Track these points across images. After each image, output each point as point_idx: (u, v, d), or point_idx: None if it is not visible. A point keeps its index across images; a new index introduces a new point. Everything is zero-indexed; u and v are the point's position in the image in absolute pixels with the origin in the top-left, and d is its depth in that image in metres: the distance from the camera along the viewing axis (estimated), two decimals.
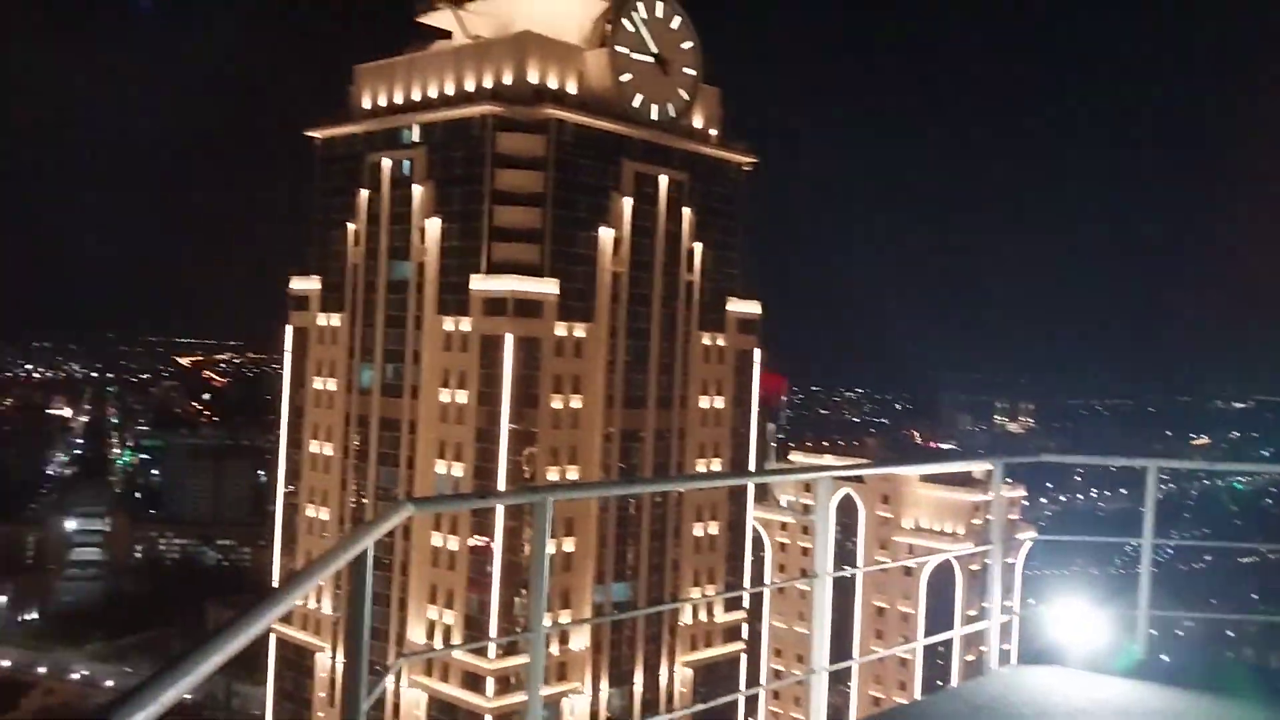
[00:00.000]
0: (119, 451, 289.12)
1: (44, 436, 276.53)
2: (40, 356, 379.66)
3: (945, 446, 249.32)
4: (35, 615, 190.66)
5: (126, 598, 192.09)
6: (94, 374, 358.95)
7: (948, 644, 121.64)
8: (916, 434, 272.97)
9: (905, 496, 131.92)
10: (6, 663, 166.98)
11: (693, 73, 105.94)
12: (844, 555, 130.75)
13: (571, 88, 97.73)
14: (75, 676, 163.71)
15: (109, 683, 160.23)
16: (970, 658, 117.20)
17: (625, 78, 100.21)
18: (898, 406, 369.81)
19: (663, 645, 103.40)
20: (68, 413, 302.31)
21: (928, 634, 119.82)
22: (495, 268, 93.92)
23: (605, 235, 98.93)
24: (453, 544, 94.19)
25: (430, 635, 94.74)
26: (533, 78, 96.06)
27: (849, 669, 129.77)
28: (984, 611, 8.88)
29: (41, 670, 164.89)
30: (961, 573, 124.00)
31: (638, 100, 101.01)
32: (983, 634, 8.64)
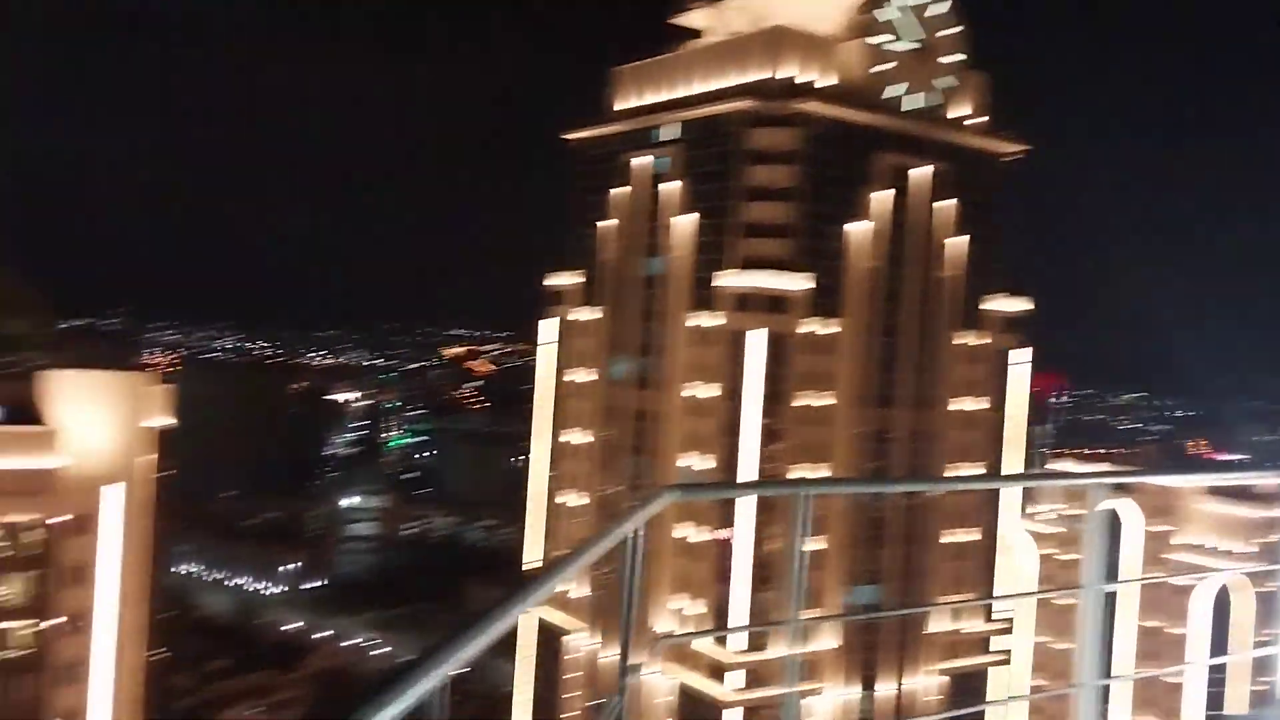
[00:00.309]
0: (392, 434, 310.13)
1: (326, 419, 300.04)
2: (325, 344, 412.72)
3: (1232, 457, 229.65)
4: (320, 583, 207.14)
5: (396, 571, 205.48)
6: (372, 362, 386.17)
7: (1228, 669, 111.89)
8: (1201, 442, 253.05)
9: (1181, 510, 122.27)
10: (299, 624, 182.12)
11: (956, 59, 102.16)
12: (1109, 571, 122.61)
13: (825, 81, 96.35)
14: (351, 643, 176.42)
15: (379, 650, 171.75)
16: (1258, 687, 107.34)
17: (881, 68, 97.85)
18: (1178, 413, 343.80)
19: (911, 652, 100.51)
20: (347, 397, 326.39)
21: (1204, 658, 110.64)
22: (746, 263, 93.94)
23: (858, 229, 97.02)
24: (695, 535, 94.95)
25: (675, 625, 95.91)
26: (786, 72, 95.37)
27: (1108, 688, 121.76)
28: (1274, 638, 7.85)
29: (322, 635, 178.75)
30: (1246, 595, 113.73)
31: (894, 91, 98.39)
32: (1272, 661, 7.63)
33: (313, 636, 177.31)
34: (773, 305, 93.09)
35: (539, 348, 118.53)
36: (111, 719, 69.37)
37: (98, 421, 70.19)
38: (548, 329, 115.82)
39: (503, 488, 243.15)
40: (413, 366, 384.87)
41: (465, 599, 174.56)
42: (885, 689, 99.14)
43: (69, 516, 67.58)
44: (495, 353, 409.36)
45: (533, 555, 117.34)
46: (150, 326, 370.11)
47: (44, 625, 67.38)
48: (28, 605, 67.02)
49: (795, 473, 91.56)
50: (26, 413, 68.64)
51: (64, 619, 67.65)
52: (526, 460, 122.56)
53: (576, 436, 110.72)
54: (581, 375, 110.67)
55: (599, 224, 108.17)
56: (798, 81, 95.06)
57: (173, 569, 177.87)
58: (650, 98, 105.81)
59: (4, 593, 66.38)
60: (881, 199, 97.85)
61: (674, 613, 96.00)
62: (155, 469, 74.42)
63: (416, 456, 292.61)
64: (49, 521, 67.17)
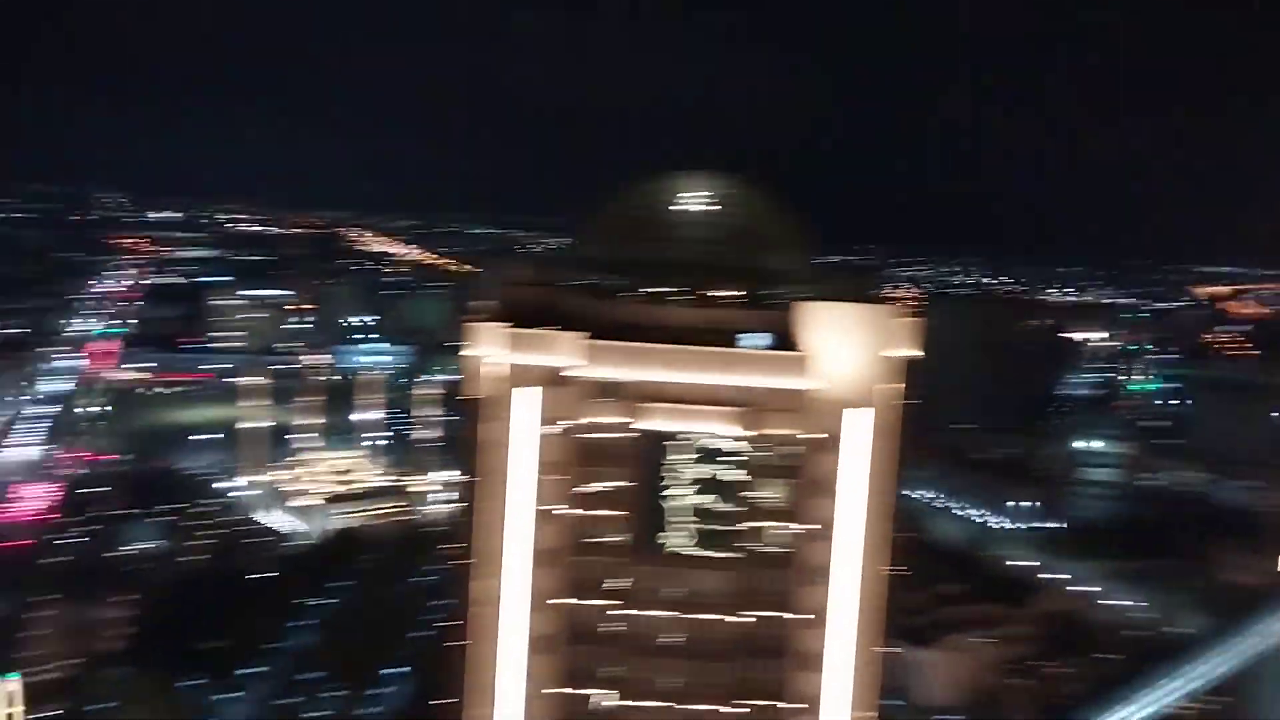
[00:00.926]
0: (1135, 378, 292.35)
1: (1062, 357, 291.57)
2: (1068, 281, 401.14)
3: None
4: (1050, 524, 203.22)
5: (1134, 523, 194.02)
6: (1115, 300, 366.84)
7: None
8: None
9: None
10: (1028, 562, 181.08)
11: None
12: None
13: None
14: (1081, 590, 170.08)
15: (1112, 601, 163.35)
16: None
17: None
18: None
19: None
20: (1086, 336, 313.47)
21: None
22: None
23: None
24: None
25: None
26: None
27: None
28: None
29: (1051, 576, 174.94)
30: None
31: None
32: None
33: (1040, 576, 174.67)
34: None
35: None
36: (856, 623, 75.03)
37: (846, 349, 75.27)
38: None
39: (1266, 446, 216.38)
40: (1162, 306, 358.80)
41: (1214, 562, 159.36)
42: None
43: (822, 434, 73.82)
44: (1265, 293, 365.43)
45: None
46: (899, 262, 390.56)
47: (796, 529, 74.80)
48: (783, 509, 74.91)
49: None
50: (785, 339, 76.04)
51: (816, 525, 74.40)
52: None
53: None
54: None
55: None
56: None
57: (907, 493, 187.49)
58: None
59: (766, 495, 74.97)
60: None
61: None
62: (898, 397, 77.88)
63: (1160, 403, 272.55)
64: (801, 437, 74.03)
